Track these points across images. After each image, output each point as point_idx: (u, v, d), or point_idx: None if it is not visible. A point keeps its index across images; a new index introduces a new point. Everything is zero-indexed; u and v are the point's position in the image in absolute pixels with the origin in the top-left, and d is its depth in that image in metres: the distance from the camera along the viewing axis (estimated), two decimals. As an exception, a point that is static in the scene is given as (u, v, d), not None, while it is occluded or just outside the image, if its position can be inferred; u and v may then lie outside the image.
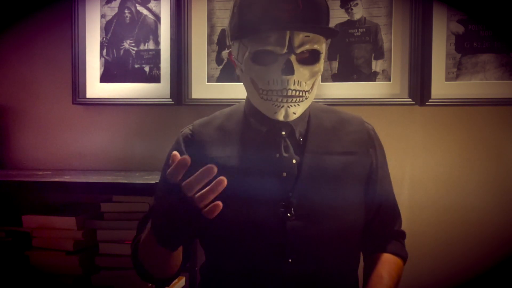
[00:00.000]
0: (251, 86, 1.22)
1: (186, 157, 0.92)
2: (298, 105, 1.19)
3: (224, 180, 0.92)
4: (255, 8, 1.16)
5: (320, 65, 1.21)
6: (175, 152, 0.96)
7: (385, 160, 1.37)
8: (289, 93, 1.17)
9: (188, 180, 0.93)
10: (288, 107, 1.18)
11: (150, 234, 1.08)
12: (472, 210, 1.87)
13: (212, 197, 0.92)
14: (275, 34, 1.15)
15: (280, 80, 1.16)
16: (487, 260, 1.86)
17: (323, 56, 1.21)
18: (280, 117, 1.19)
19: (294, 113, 1.20)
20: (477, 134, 1.87)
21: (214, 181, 0.92)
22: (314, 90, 1.23)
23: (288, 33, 1.15)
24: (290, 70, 1.15)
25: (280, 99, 1.17)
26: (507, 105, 1.83)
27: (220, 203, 0.93)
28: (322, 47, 1.20)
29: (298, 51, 1.16)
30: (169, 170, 0.93)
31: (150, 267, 1.19)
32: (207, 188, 0.92)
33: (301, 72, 1.17)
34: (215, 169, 0.91)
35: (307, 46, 1.17)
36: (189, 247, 1.33)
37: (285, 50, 1.16)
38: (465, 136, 1.87)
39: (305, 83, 1.18)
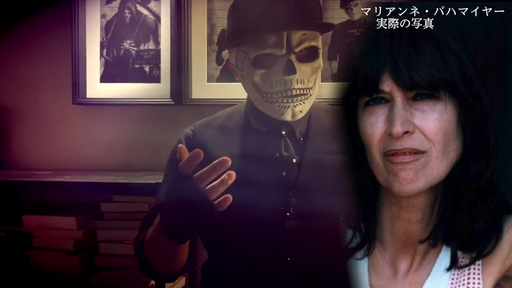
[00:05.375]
0: (254, 90, 1.21)
1: (199, 150, 0.93)
2: (304, 103, 1.19)
3: (233, 174, 0.94)
4: (248, 12, 1.17)
5: (320, 61, 1.22)
6: (181, 145, 0.97)
7: None
8: (294, 92, 1.17)
9: (199, 172, 0.94)
10: (294, 106, 1.18)
11: (158, 228, 1.09)
12: (472, 210, 1.87)
13: (222, 189, 0.94)
14: (273, 36, 1.15)
15: (283, 81, 1.16)
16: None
17: (321, 52, 1.22)
18: (288, 117, 1.19)
19: (301, 112, 1.20)
20: (477, 134, 1.87)
21: (225, 174, 0.94)
22: (316, 86, 1.24)
23: (285, 33, 1.15)
24: (292, 70, 1.16)
25: (285, 100, 1.18)
26: (507, 105, 1.83)
27: (230, 196, 0.95)
28: (320, 43, 1.21)
29: (297, 49, 1.16)
30: (181, 163, 0.95)
31: (155, 262, 1.20)
32: (217, 180, 0.94)
33: (303, 70, 1.18)
34: (229, 162, 0.93)
35: (305, 44, 1.17)
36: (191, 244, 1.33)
37: (284, 51, 1.16)
38: (465, 136, 1.87)
39: (308, 80, 1.19)
